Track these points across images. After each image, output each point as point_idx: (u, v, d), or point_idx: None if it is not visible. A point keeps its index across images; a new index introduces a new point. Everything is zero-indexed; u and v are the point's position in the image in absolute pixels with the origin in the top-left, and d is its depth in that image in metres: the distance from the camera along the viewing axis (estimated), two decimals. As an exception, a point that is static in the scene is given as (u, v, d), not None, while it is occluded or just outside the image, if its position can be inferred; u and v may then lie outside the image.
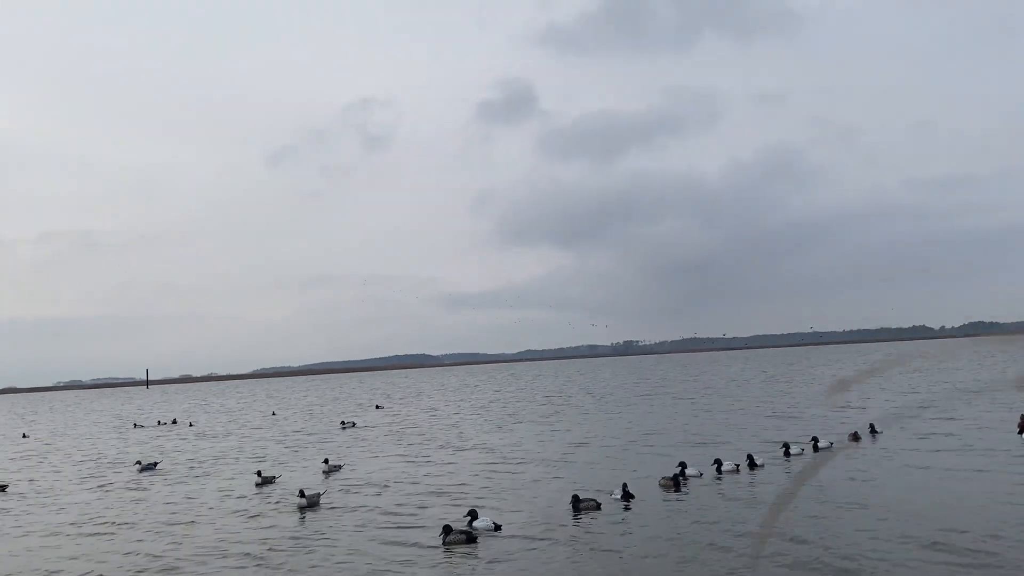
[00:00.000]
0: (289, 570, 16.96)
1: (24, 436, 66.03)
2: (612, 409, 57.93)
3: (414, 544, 18.54)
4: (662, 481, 24.39)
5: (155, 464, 37.21)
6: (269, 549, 18.95)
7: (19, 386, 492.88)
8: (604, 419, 49.67)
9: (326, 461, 33.12)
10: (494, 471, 29.68)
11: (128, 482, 32.75)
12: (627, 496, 22.35)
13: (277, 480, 29.99)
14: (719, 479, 25.06)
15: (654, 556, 16.30)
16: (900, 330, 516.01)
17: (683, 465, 25.83)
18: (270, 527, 21.68)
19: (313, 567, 17.08)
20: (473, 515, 19.74)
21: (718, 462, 26.55)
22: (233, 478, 31.94)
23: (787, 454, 28.90)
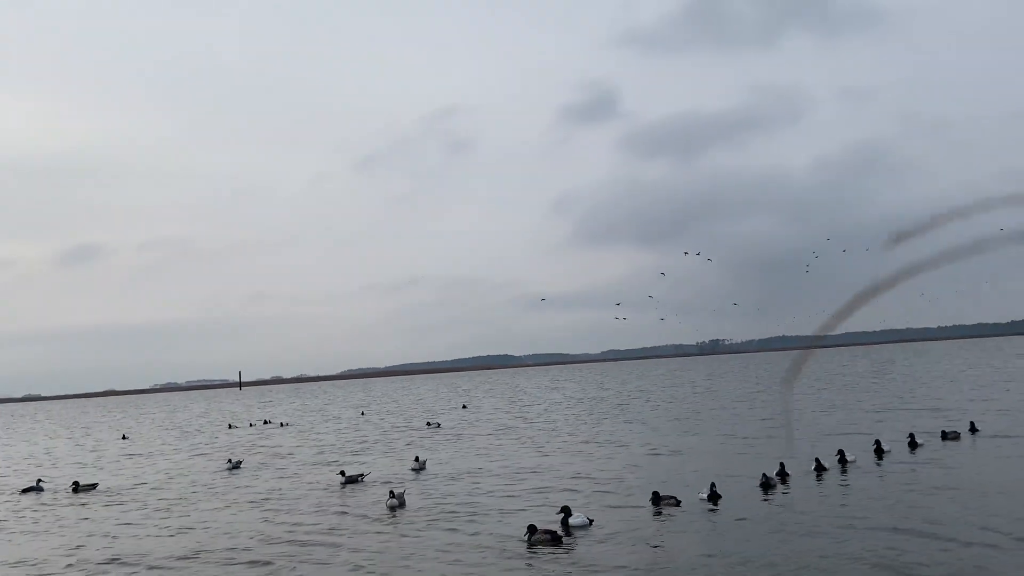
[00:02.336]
0: (375, 568, 17.27)
1: (124, 438, 68.57)
2: (718, 406, 57.31)
3: (500, 543, 18.67)
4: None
5: (240, 463, 38.27)
6: (355, 548, 19.32)
7: (118, 388, 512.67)
8: (707, 417, 49.14)
9: (416, 459, 33.61)
10: (582, 469, 29.69)
11: (219, 481, 33.78)
12: (714, 496, 22.08)
13: (362, 479, 30.53)
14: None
15: (709, 562, 16.08)
16: (997, 325, 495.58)
17: (782, 465, 25.27)
18: (356, 525, 22.10)
19: (401, 566, 17.36)
20: (566, 512, 19.79)
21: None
22: (320, 477, 32.63)
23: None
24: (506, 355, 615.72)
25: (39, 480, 35.11)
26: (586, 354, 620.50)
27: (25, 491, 33.53)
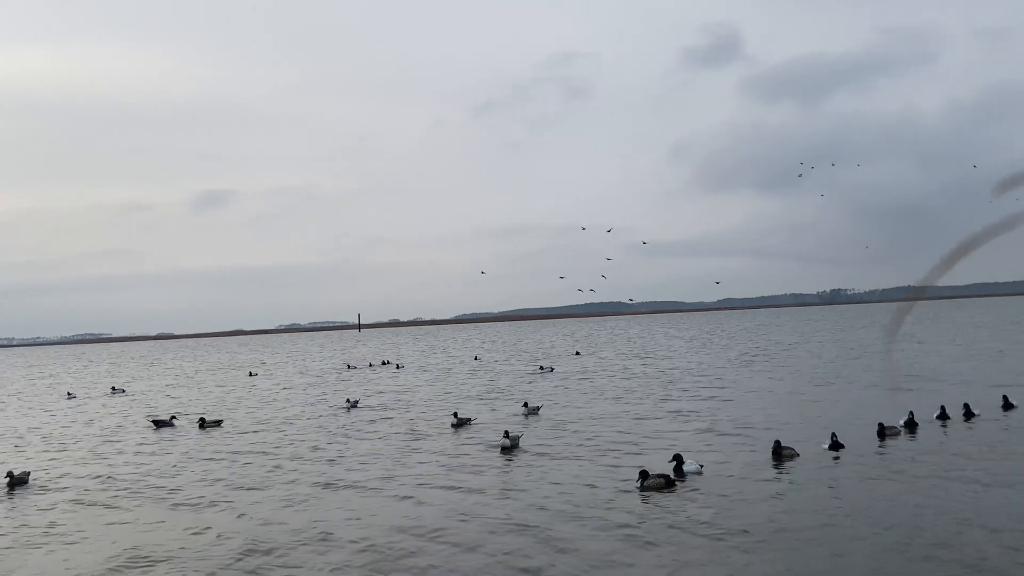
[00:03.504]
0: (481, 511, 17.41)
1: (251, 375, 71.44)
2: (847, 356, 55.70)
3: (612, 487, 18.55)
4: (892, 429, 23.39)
5: (357, 402, 39.29)
6: (467, 488, 19.52)
7: (246, 328, 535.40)
8: (838, 366, 47.80)
9: (526, 404, 33.77)
10: (699, 416, 29.28)
11: (338, 419, 34.76)
12: (836, 446, 21.37)
13: (473, 422, 30.87)
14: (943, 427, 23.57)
15: (816, 515, 15.48)
16: None
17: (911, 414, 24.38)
18: (472, 467, 22.34)
19: (511, 505, 17.46)
20: (679, 459, 19.50)
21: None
22: (433, 418, 33.17)
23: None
24: (619, 302, 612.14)
25: (172, 416, 36.91)
26: (701, 302, 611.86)
27: (158, 424, 35.25)
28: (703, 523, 15.23)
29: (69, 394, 57.19)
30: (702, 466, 19.59)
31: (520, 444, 24.93)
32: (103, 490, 21.56)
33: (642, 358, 67.42)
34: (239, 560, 14.37)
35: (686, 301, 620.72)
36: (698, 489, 17.94)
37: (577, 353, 79.71)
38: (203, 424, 34.06)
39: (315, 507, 18.22)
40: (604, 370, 55.68)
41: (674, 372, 50.70)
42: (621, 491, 18.14)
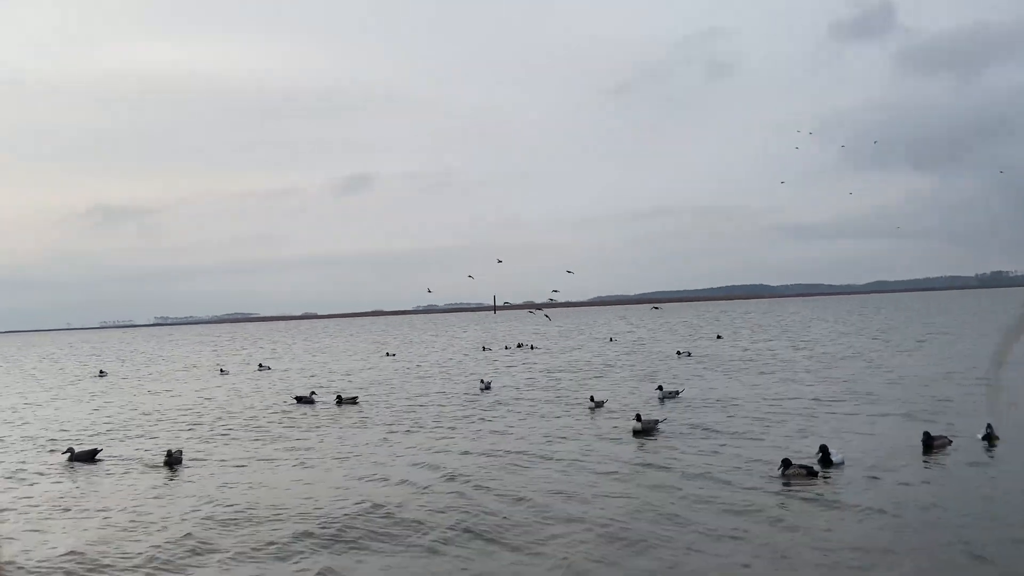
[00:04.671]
0: (611, 493, 17.37)
1: (388, 355, 73.51)
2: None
3: (753, 476, 18.22)
4: None
5: (491, 384, 39.73)
6: (602, 472, 19.51)
7: (385, 309, 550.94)
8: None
9: (660, 387, 33.39)
10: (846, 403, 28.32)
11: (471, 400, 35.36)
12: (990, 438, 20.22)
13: (605, 404, 30.78)
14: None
15: (966, 513, 14.62)
16: None
17: None
18: (603, 452, 22.32)
19: (646, 488, 17.36)
20: (824, 450, 18.88)
21: None
22: (568, 401, 33.26)
23: None
24: (760, 285, 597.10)
25: (312, 392, 38.46)
26: (849, 285, 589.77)
27: (300, 400, 36.78)
28: (846, 513, 14.77)
29: (221, 370, 60.41)
30: (844, 458, 18.93)
31: (658, 428, 24.71)
32: (267, 460, 22.71)
33: (787, 342, 65.59)
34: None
35: (833, 284, 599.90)
36: (842, 481, 17.42)
37: (718, 337, 78.28)
38: (339, 401, 35.35)
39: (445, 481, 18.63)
40: (745, 353, 54.51)
41: (825, 356, 49.11)
42: (761, 478, 17.77)
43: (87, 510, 17.81)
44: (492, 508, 16.30)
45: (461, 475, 19.63)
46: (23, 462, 24.33)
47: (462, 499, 17.14)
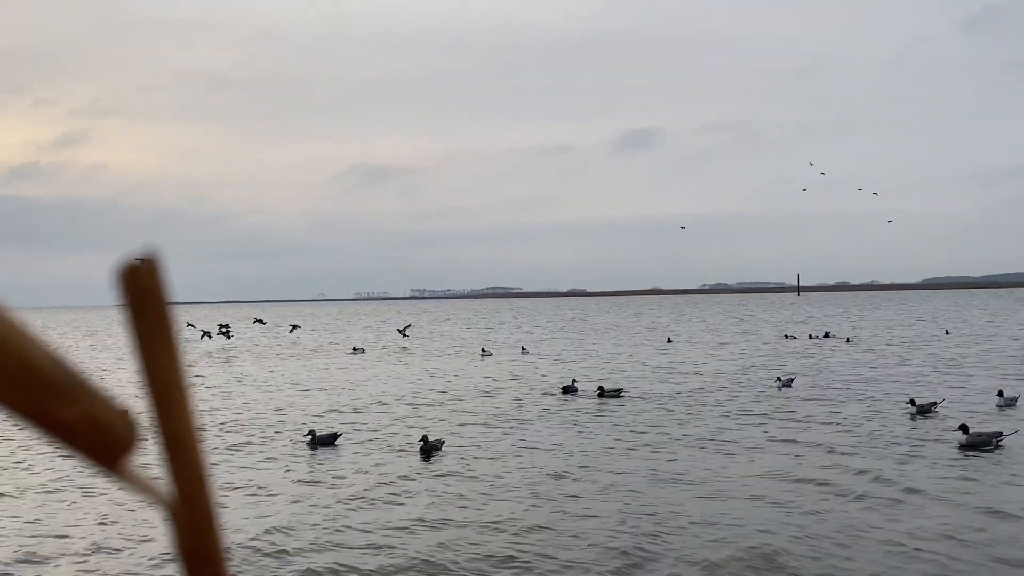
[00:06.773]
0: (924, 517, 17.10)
1: (668, 341, 74.18)
2: None
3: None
4: None
5: (791, 381, 39.02)
6: (923, 493, 19.12)
7: (664, 287, 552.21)
8: None
9: (1000, 393, 31.59)
10: None
11: (764, 398, 35.31)
12: None
13: (935, 409, 29.68)
14: None
15: None
16: None
17: None
18: (924, 468, 21.76)
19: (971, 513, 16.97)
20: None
21: None
22: (885, 406, 32.37)
23: None
24: None
25: (574, 380, 40.17)
26: None
27: (565, 391, 38.39)
28: None
29: (483, 351, 64.26)
30: None
31: (991, 442, 23.61)
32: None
33: None
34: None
35: None
36: None
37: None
38: (602, 393, 36.61)
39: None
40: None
41: None
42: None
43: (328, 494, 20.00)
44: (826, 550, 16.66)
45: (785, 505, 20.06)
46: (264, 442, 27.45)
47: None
